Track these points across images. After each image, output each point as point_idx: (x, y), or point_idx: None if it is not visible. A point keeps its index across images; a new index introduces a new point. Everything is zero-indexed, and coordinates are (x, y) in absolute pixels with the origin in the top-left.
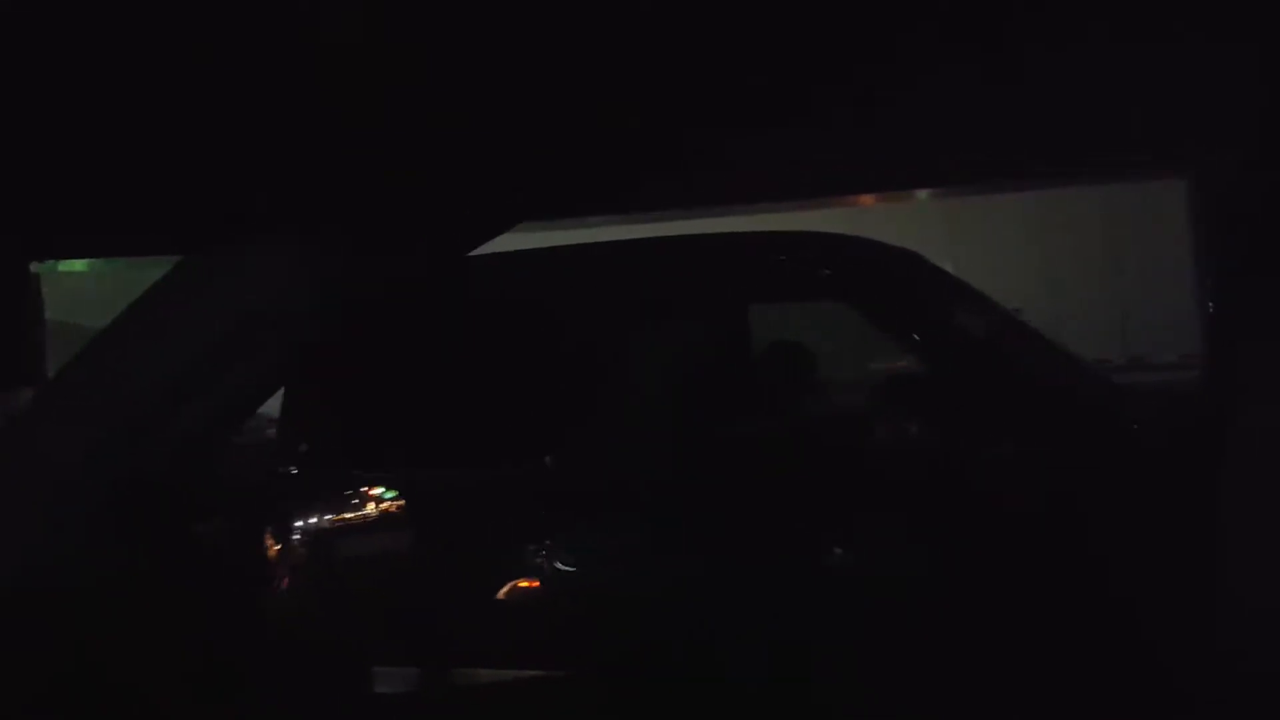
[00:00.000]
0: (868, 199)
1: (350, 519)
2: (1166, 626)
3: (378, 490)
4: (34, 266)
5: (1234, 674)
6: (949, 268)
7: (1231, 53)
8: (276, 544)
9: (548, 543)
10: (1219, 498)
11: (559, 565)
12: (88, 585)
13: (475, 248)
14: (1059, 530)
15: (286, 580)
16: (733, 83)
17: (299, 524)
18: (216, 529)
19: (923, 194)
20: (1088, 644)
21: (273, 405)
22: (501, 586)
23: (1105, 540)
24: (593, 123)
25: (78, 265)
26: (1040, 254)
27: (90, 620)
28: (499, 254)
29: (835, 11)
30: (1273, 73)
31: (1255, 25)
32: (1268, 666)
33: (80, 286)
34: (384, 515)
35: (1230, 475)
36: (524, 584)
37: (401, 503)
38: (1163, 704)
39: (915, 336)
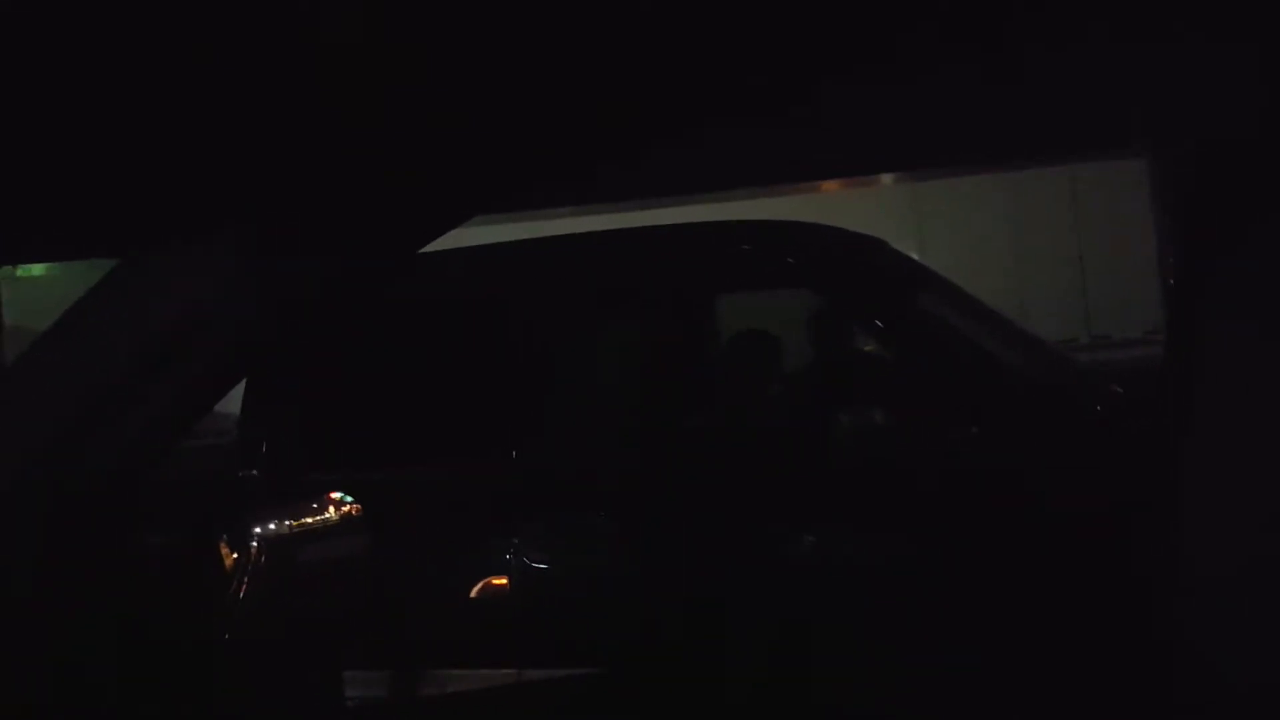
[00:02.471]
0: (832, 185)
1: (314, 521)
2: (1126, 611)
3: (342, 491)
4: None
5: (1195, 660)
6: (914, 252)
7: (1188, 31)
8: (236, 549)
9: (516, 539)
10: (1178, 478)
11: (528, 561)
12: (28, 596)
13: (428, 243)
14: (1023, 514)
15: (246, 586)
16: (690, 72)
17: (261, 528)
18: (170, 535)
19: (887, 179)
20: (1048, 628)
21: (235, 406)
22: (471, 585)
23: (1068, 522)
24: (547, 114)
25: (36, 269)
26: (1004, 236)
27: (29, 632)
28: (460, 249)
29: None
30: (1231, 53)
31: (1213, 9)
32: (1228, 652)
33: (38, 291)
34: (348, 516)
35: (1190, 455)
36: (494, 582)
37: (366, 503)
38: (1125, 691)
39: (878, 323)
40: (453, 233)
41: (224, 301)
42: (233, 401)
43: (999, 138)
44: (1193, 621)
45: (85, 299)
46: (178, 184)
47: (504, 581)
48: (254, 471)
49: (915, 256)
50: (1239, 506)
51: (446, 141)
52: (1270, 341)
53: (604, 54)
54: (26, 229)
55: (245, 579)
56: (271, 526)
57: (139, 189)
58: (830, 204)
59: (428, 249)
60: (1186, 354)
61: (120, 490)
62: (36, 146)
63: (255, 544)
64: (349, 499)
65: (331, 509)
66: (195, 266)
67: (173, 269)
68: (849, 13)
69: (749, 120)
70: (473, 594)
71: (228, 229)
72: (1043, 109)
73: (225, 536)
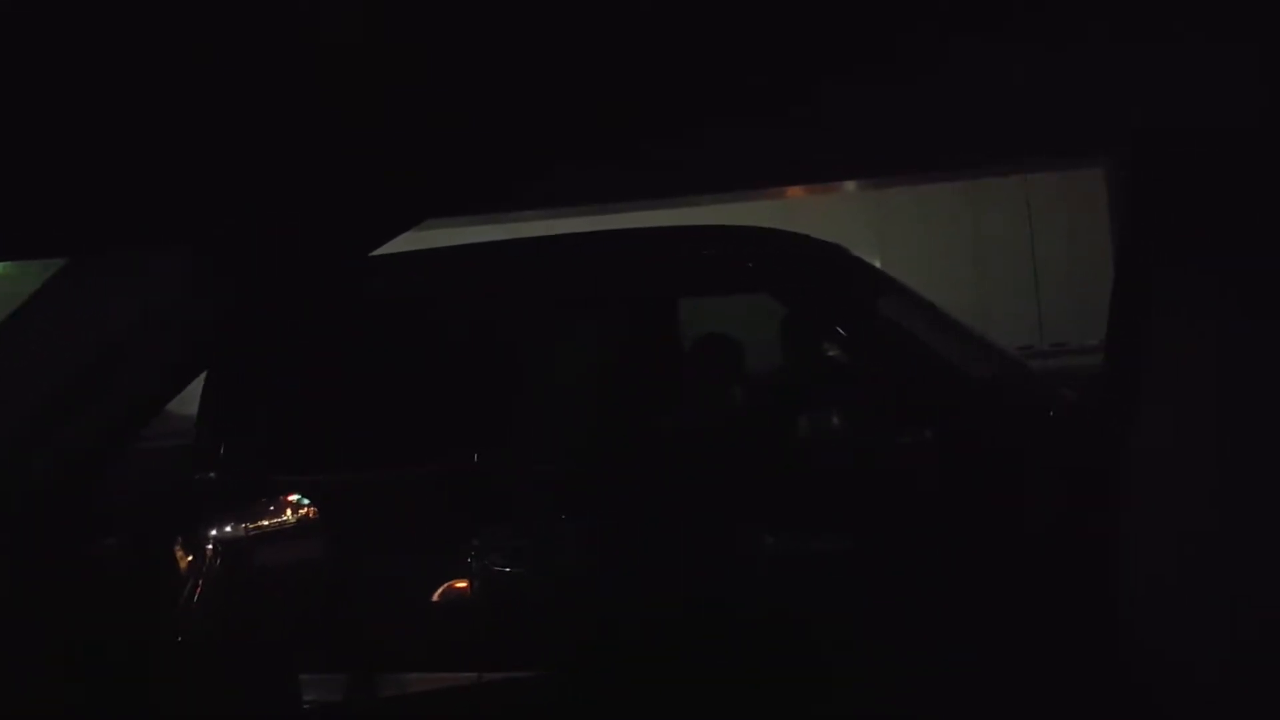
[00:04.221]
0: (797, 191)
1: (272, 525)
2: (1075, 616)
3: (300, 494)
4: None
5: (1138, 662)
6: (874, 259)
7: (1140, 44)
8: (192, 553)
9: (477, 542)
10: (1120, 483)
11: (489, 565)
12: None
13: (383, 244)
14: (978, 517)
15: (201, 591)
16: (652, 74)
17: (219, 531)
18: (123, 539)
19: (850, 186)
20: (1000, 630)
21: (192, 408)
22: (432, 588)
23: (1023, 525)
24: (506, 117)
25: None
26: (963, 244)
27: None
28: (427, 250)
29: (760, 6)
30: (1182, 62)
31: (1170, 16)
32: (1171, 656)
33: None
34: (308, 520)
35: (1132, 461)
36: (455, 585)
37: (325, 506)
38: (1083, 679)
39: (838, 328)
40: (421, 234)
41: (178, 303)
42: (190, 403)
43: (958, 145)
44: (1139, 607)
45: (33, 300)
46: (135, 186)
47: (465, 585)
48: (211, 474)
49: (876, 263)
50: (1178, 498)
51: (404, 143)
52: (1208, 340)
53: (575, 58)
54: None
55: (200, 582)
56: (228, 529)
57: (97, 190)
58: (793, 210)
59: (396, 249)
60: (1129, 354)
61: (69, 493)
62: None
63: (211, 546)
64: (305, 501)
65: (288, 512)
66: (149, 268)
67: (126, 270)
68: (818, 19)
69: (715, 125)
70: (434, 597)
71: (183, 232)
72: (1000, 116)
73: (180, 539)
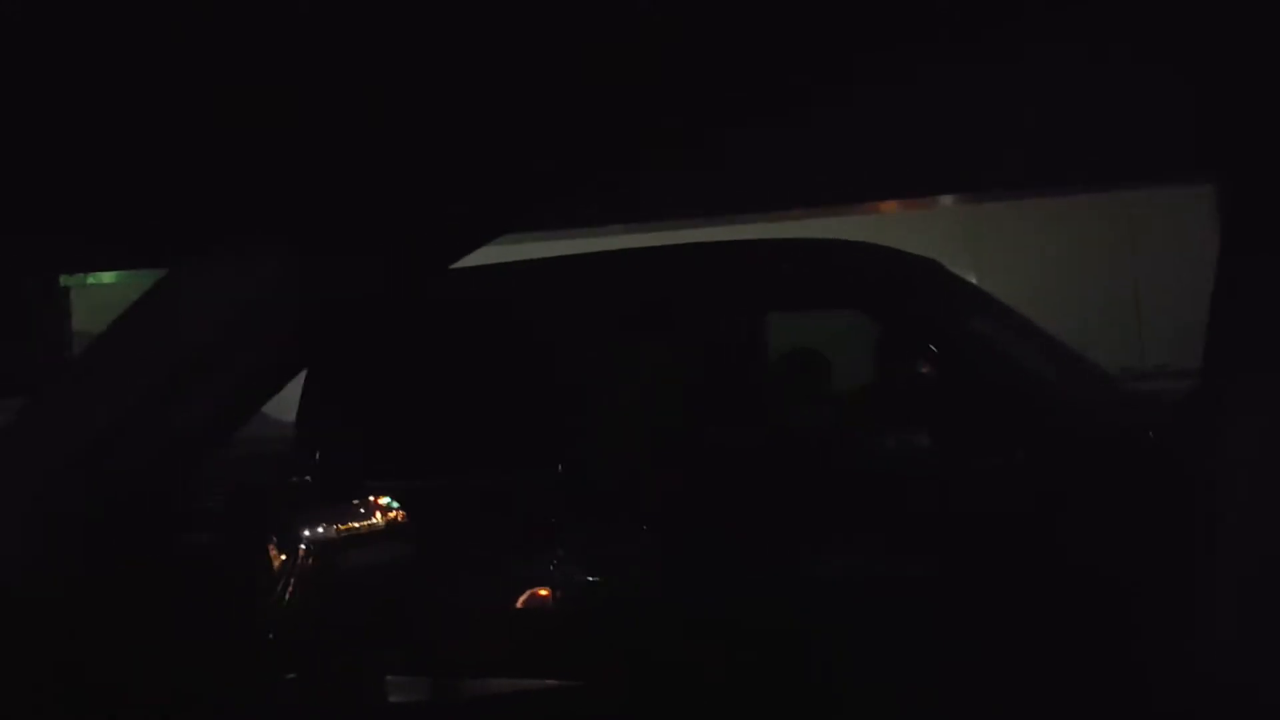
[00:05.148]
0: (890, 205)
1: (365, 528)
2: (1170, 639)
3: (392, 499)
4: (63, 280)
5: (1219, 690)
6: (970, 276)
7: (1260, 58)
8: (286, 554)
9: (561, 551)
10: (1211, 507)
11: (572, 573)
12: (67, 593)
13: (469, 251)
14: (1072, 541)
15: (294, 591)
16: (740, 84)
17: (312, 533)
18: (218, 537)
19: (945, 200)
20: (1090, 653)
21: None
22: (516, 595)
23: (1120, 551)
24: (593, 128)
25: (107, 277)
26: (1062, 261)
27: (67, 627)
28: (515, 262)
29: (850, 9)
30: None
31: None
32: (1250, 681)
33: (110, 298)
34: (398, 524)
35: (1222, 484)
36: (540, 592)
37: (416, 512)
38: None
39: (931, 345)
40: (510, 247)
41: (268, 305)
42: (289, 408)
43: (1058, 161)
44: (1221, 653)
45: (134, 307)
46: (229, 193)
47: (547, 593)
48: (307, 477)
49: (972, 279)
50: (1264, 526)
51: (493, 153)
52: None
53: (658, 69)
54: (93, 240)
55: (292, 582)
56: (320, 531)
57: (196, 200)
58: (887, 225)
59: (488, 262)
60: (1221, 379)
61: (162, 490)
62: (104, 164)
63: (304, 547)
64: (396, 506)
65: (379, 516)
66: (239, 271)
67: (218, 275)
68: (909, 22)
69: (808, 137)
70: (518, 604)
71: (271, 236)
72: (1100, 133)
73: (274, 539)
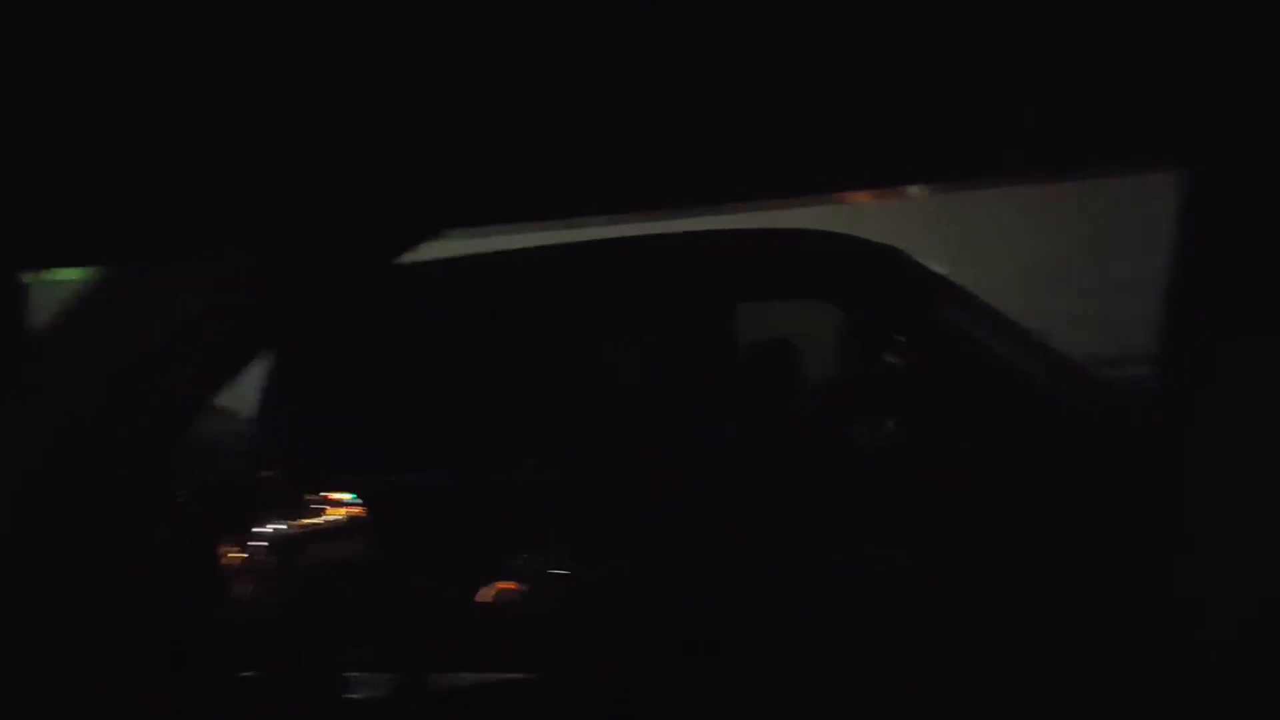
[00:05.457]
0: (861, 196)
1: (322, 523)
2: (1145, 632)
3: (357, 495)
4: (24, 277)
5: (1206, 680)
6: (942, 265)
7: (1224, 50)
8: (248, 549)
9: (528, 546)
10: (1177, 499)
11: (546, 567)
12: (36, 588)
13: (427, 242)
14: (1042, 530)
15: (255, 587)
16: (707, 77)
17: (276, 528)
18: (181, 534)
19: (915, 190)
20: (1067, 648)
21: (249, 406)
22: (482, 590)
23: (1091, 540)
24: (566, 120)
25: (71, 274)
26: (1034, 249)
27: (36, 622)
28: (484, 254)
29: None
30: (1262, 73)
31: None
32: (1235, 674)
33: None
34: (356, 519)
35: (1187, 475)
36: (510, 587)
37: (383, 506)
38: (1138, 710)
39: (898, 335)
40: (478, 238)
41: (227, 300)
42: (250, 401)
43: (1026, 150)
44: (1192, 625)
45: (88, 304)
46: (190, 191)
47: (517, 587)
48: (270, 473)
49: (943, 269)
50: (1235, 514)
51: (457, 146)
52: (1267, 357)
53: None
54: (52, 238)
55: (251, 576)
56: (281, 527)
57: (155, 199)
58: (856, 214)
59: (457, 254)
60: (1184, 367)
61: (129, 486)
62: (64, 156)
63: (264, 543)
64: (357, 502)
65: (340, 512)
66: (202, 268)
67: (181, 271)
68: (884, 14)
69: (775, 126)
70: (483, 599)
71: (232, 233)
72: (1069, 121)
73: (234, 534)
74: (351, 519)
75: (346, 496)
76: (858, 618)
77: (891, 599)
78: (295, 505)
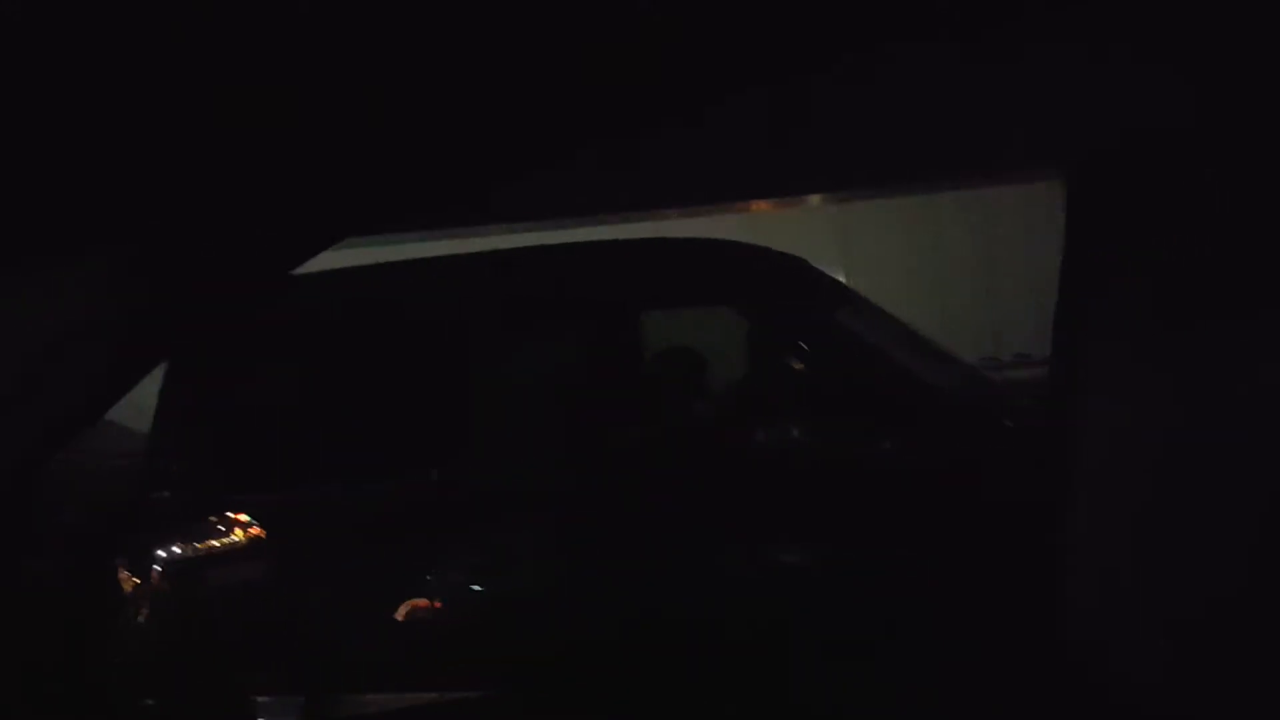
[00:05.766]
0: (762, 205)
1: (226, 545)
2: (1023, 629)
3: (257, 512)
4: None
5: (1081, 679)
6: (838, 273)
7: (1105, 55)
8: (143, 573)
9: (438, 559)
10: (1062, 497)
11: (450, 581)
12: None
13: (309, 258)
14: (934, 526)
15: (152, 612)
16: (608, 79)
17: (170, 551)
18: (62, 560)
19: (814, 199)
20: (958, 635)
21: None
22: (392, 606)
23: (980, 536)
24: (454, 129)
25: None
26: (925, 256)
27: None
28: (381, 263)
29: (719, 16)
30: (1143, 80)
31: (1141, 29)
32: (1111, 671)
33: None
34: (262, 540)
35: (1076, 472)
36: (416, 603)
37: (281, 525)
38: (1014, 705)
39: (799, 340)
40: (379, 249)
41: (100, 316)
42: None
43: (919, 158)
44: (1085, 609)
45: None
46: (53, 196)
47: (425, 603)
48: (165, 493)
49: (840, 276)
50: (1119, 503)
51: (355, 150)
52: (1142, 358)
53: (529, 57)
54: None
55: (148, 603)
56: (175, 550)
57: (16, 199)
58: (757, 223)
59: (358, 263)
60: (1069, 369)
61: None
62: None
63: (160, 567)
64: (254, 522)
65: (238, 531)
66: (68, 280)
67: (47, 283)
68: (782, 29)
69: (680, 136)
70: (394, 616)
71: (98, 247)
72: (958, 129)
73: (124, 560)
74: (250, 538)
75: (243, 516)
76: (765, 616)
77: (797, 596)
78: (191, 525)
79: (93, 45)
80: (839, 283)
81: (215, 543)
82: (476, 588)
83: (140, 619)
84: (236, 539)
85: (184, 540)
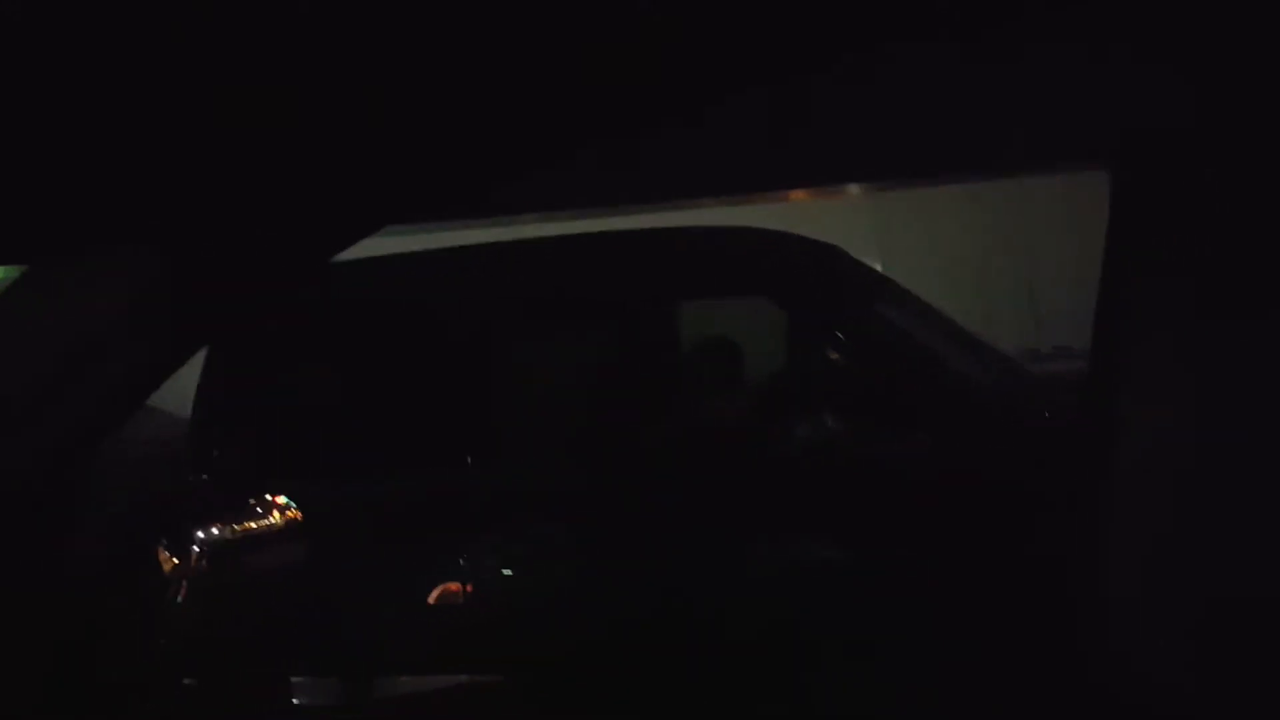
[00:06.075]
0: (799, 195)
1: (264, 529)
2: (1065, 625)
3: (294, 499)
4: None
5: (1123, 675)
6: (876, 263)
7: (1154, 51)
8: (185, 557)
9: (471, 548)
10: (1102, 494)
11: (486, 569)
12: None
13: (349, 246)
14: (974, 522)
15: (193, 594)
16: (641, 72)
17: (210, 535)
18: (112, 542)
19: (853, 189)
20: (993, 636)
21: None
22: (425, 592)
23: (1021, 532)
24: (484, 118)
25: None
26: (969, 246)
27: None
28: (417, 253)
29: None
30: (1194, 76)
31: (1188, 25)
32: (1151, 668)
33: None
34: (299, 524)
35: (1112, 471)
36: (448, 589)
37: (318, 511)
38: (1052, 702)
39: (837, 331)
40: (416, 237)
41: (137, 311)
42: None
43: (961, 149)
44: (1111, 614)
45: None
46: (89, 195)
47: (458, 589)
48: (205, 477)
49: (877, 266)
50: (1156, 501)
51: (372, 142)
52: (1183, 357)
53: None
54: None
55: (190, 584)
56: (215, 532)
57: (50, 198)
58: (795, 213)
59: (397, 252)
60: (1109, 366)
61: (38, 497)
62: None
63: (201, 549)
64: (293, 506)
65: (280, 516)
66: (105, 276)
67: (83, 278)
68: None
69: (711, 126)
70: (426, 601)
71: (138, 239)
72: (1002, 120)
73: (166, 544)
74: (289, 524)
75: (281, 500)
76: (799, 611)
77: (834, 591)
78: (231, 511)
79: (111, 40)
80: (877, 273)
81: (250, 527)
82: (510, 577)
83: (182, 602)
84: (275, 524)
85: (224, 525)
